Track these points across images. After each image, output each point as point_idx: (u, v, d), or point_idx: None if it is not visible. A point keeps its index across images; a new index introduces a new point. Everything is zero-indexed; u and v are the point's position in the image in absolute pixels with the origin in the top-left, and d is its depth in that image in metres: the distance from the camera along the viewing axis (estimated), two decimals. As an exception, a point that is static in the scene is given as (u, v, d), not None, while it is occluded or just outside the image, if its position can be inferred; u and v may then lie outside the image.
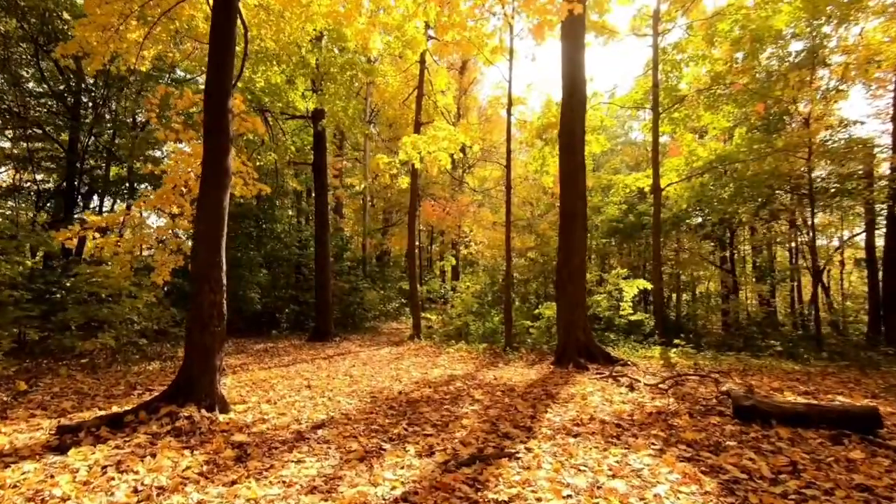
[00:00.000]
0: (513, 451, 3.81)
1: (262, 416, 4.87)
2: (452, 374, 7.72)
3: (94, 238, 7.61)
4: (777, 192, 13.55)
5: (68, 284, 9.03)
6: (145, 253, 12.67)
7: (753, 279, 16.21)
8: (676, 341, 9.78)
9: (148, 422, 4.20)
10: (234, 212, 15.46)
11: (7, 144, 15.06)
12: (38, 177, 15.99)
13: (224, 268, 4.93)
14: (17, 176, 15.64)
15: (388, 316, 19.79)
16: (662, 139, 14.75)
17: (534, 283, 17.06)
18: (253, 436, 4.21)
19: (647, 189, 15.47)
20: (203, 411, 4.50)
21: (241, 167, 8.18)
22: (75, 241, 8.22)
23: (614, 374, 6.99)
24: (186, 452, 3.66)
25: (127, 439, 3.86)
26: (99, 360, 7.88)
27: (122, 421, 4.21)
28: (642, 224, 15.55)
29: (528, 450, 3.84)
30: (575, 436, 4.20)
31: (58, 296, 9.02)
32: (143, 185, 14.15)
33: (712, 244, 17.04)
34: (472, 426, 4.56)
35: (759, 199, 13.65)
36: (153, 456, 3.52)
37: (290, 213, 19.61)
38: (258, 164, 13.44)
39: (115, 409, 5.06)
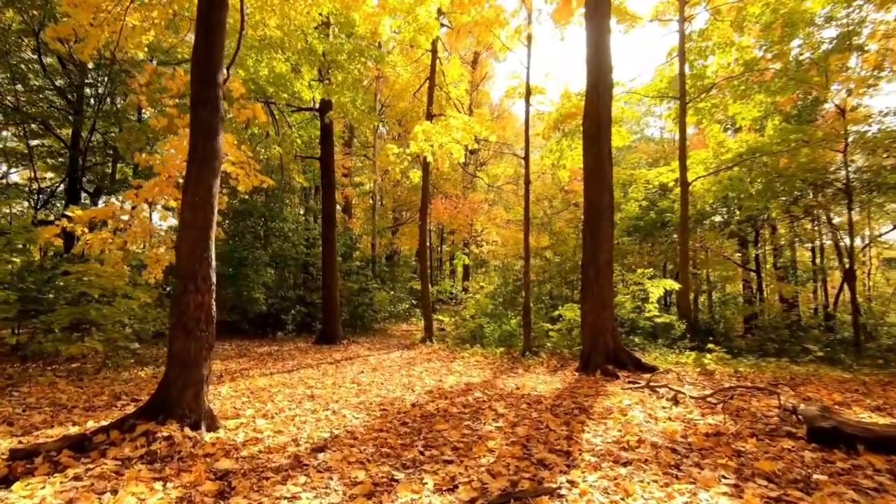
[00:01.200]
0: (553, 485, 3.12)
1: (255, 435, 4.23)
2: (470, 382, 7.05)
3: (83, 233, 7.12)
4: (810, 186, 12.69)
5: (61, 283, 8.50)
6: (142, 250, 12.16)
7: (775, 280, 15.30)
8: (710, 346, 9.03)
9: (120, 443, 3.58)
10: (239, 209, 14.93)
11: (9, 142, 14.71)
12: (48, 175, 15.63)
13: (213, 263, 4.30)
14: (24, 173, 15.27)
15: (399, 317, 19.14)
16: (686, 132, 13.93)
17: (549, 284, 16.31)
18: (241, 461, 3.57)
19: (670, 184, 14.66)
20: (186, 430, 3.87)
21: (242, 157, 7.60)
22: (76, 236, 7.71)
23: (651, 384, 6.27)
24: (158, 486, 3.02)
25: (90, 467, 3.22)
26: (88, 365, 7.32)
27: (90, 442, 3.58)
28: (664, 221, 14.73)
29: (572, 483, 3.15)
30: (625, 464, 3.50)
31: (50, 295, 8.50)
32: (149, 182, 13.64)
33: (737, 243, 16.17)
34: (499, 450, 3.88)
35: (790, 196, 12.79)
36: (114, 492, 2.88)
37: (299, 211, 19.06)
38: (262, 157, 12.85)
39: (90, 424, 4.46)
